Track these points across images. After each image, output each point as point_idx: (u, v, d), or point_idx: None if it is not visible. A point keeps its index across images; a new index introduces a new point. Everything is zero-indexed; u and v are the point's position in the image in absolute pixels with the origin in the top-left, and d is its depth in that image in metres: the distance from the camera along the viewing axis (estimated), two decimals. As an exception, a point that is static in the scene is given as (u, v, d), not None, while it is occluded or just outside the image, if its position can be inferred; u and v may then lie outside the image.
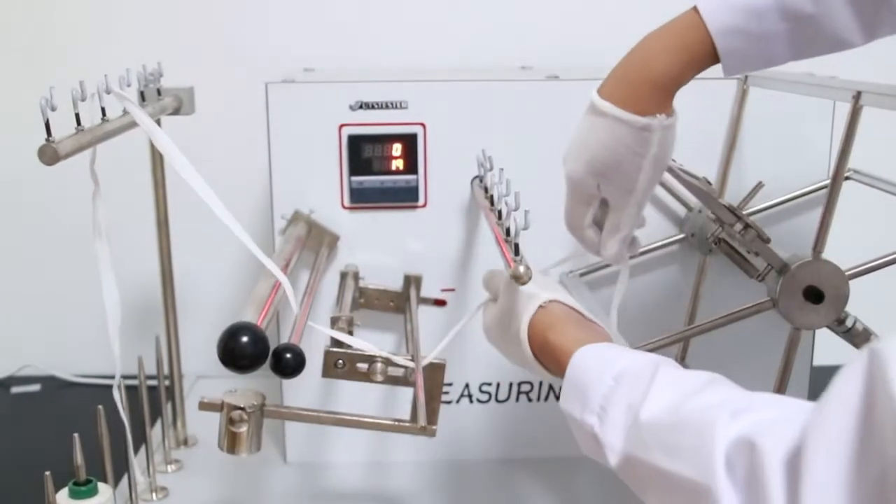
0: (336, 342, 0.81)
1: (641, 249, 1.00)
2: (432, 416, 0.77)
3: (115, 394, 0.81)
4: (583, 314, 0.69)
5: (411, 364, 0.77)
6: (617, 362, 0.59)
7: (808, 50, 0.67)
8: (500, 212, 0.75)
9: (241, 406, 0.69)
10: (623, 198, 0.71)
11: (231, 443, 0.70)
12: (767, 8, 0.64)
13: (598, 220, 0.75)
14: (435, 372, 0.79)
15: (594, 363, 0.61)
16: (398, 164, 0.99)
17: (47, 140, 0.68)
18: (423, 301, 1.00)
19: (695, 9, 0.66)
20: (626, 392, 0.56)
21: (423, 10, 1.29)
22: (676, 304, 1.03)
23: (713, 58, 0.67)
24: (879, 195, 0.93)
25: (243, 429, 0.69)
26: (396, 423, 0.76)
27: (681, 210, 1.01)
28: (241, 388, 0.72)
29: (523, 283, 0.66)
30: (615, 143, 0.68)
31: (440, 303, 1.02)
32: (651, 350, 0.80)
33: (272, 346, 0.65)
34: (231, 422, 0.69)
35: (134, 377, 0.94)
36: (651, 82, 0.67)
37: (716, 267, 1.01)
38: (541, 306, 0.69)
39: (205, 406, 0.70)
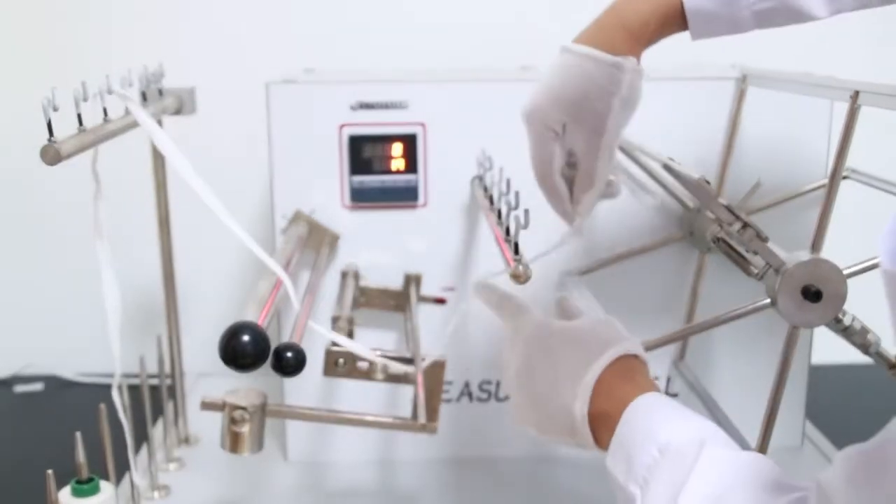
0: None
1: (640, 249, 1.01)
2: (433, 414, 0.77)
3: (115, 394, 0.82)
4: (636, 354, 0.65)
5: (410, 369, 0.78)
6: (663, 430, 0.56)
7: (773, 19, 0.69)
8: (499, 211, 0.76)
9: (243, 406, 0.70)
10: (593, 142, 0.70)
11: (233, 442, 0.70)
12: None
13: (567, 179, 0.74)
14: (435, 370, 0.79)
15: (642, 425, 0.58)
16: (398, 163, 0.99)
17: (49, 140, 0.69)
18: (424, 300, 1.00)
19: None
20: (669, 468, 0.54)
21: (423, 10, 1.30)
22: (675, 303, 1.04)
23: (682, 16, 0.69)
24: (877, 194, 0.94)
25: (245, 428, 0.70)
26: (397, 421, 0.77)
27: (679, 209, 1.01)
28: (242, 387, 0.73)
29: (522, 283, 0.66)
30: (585, 81, 0.69)
31: (440, 301, 1.02)
32: (648, 349, 0.81)
33: (273, 344, 0.65)
34: (233, 421, 0.70)
35: (136, 376, 0.95)
36: (624, 28, 0.69)
37: (714, 266, 1.02)
38: (621, 357, 0.63)
39: (207, 406, 0.71)
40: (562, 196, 0.74)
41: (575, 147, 0.71)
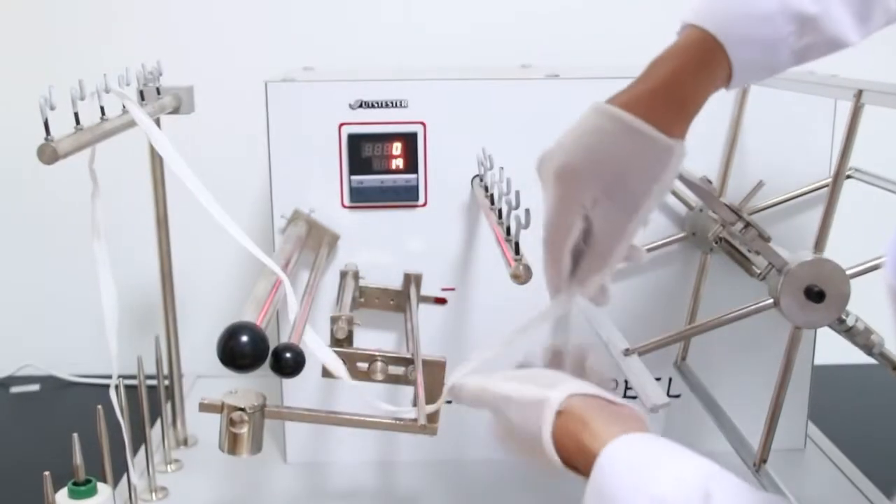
0: (336, 341, 0.81)
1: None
2: (433, 415, 0.76)
3: (112, 395, 0.81)
4: (604, 397, 0.61)
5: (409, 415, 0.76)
6: (658, 481, 0.50)
7: (810, 52, 0.63)
8: (500, 211, 0.75)
9: (242, 407, 0.69)
10: (619, 223, 0.63)
11: (232, 444, 0.70)
12: (773, 11, 0.60)
13: (575, 252, 0.66)
14: (435, 370, 0.79)
15: (625, 479, 0.52)
16: (398, 163, 0.99)
17: (46, 139, 0.68)
18: (424, 299, 1.00)
19: (696, 24, 0.61)
20: None
21: (423, 10, 1.29)
22: (677, 303, 1.03)
23: (727, 71, 0.62)
24: (881, 194, 0.93)
25: (244, 430, 0.69)
26: (397, 422, 0.76)
27: (681, 209, 1.01)
28: (240, 387, 0.72)
29: (522, 283, 0.65)
30: (629, 157, 0.61)
31: (440, 301, 1.01)
32: (650, 350, 0.80)
33: (272, 345, 0.65)
34: (232, 423, 0.69)
35: (134, 377, 0.94)
36: (679, 105, 0.61)
37: (717, 266, 1.01)
38: (559, 412, 0.60)
39: (205, 407, 0.70)
40: (563, 271, 0.66)
41: (595, 223, 0.63)
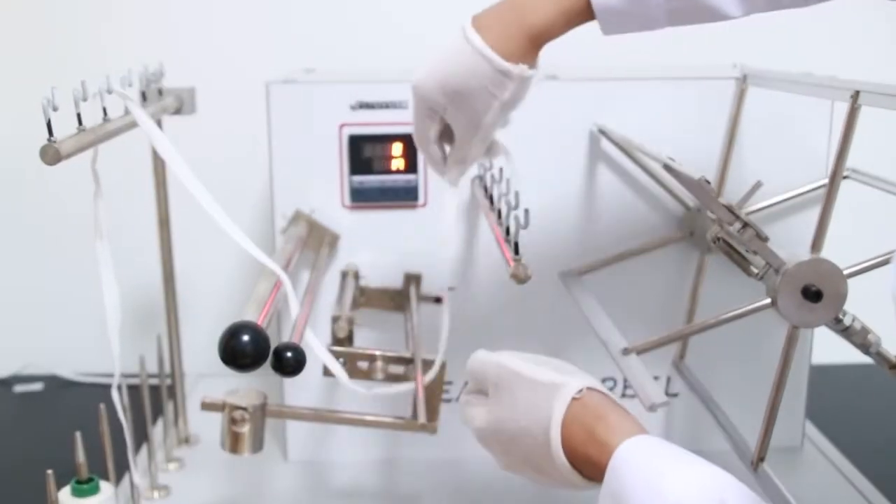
0: (337, 341, 0.82)
1: (640, 249, 1.01)
2: (433, 414, 0.77)
3: (114, 394, 0.82)
4: (614, 399, 0.62)
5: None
6: (672, 489, 0.51)
7: (685, 17, 0.68)
8: (499, 211, 0.76)
9: (243, 406, 0.70)
10: (468, 131, 0.72)
11: (233, 443, 0.70)
12: None
13: (445, 139, 0.76)
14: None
15: (640, 479, 0.53)
16: (398, 163, 0.99)
17: (49, 140, 0.69)
18: (424, 299, 1.00)
19: None
20: None
21: (423, 10, 1.30)
22: (675, 303, 1.04)
23: (589, 14, 0.67)
24: (877, 194, 0.94)
25: (245, 429, 0.70)
26: (397, 420, 0.77)
27: (679, 209, 1.01)
28: (242, 387, 0.73)
29: (521, 283, 0.66)
30: (471, 76, 0.69)
31: (441, 301, 1.02)
32: (648, 349, 0.81)
33: (273, 344, 0.65)
34: (233, 422, 0.70)
35: (136, 376, 0.95)
36: (523, 30, 0.67)
37: (714, 266, 1.02)
38: (574, 398, 0.61)
39: (207, 406, 0.71)
40: (437, 160, 0.77)
41: (453, 127, 0.73)
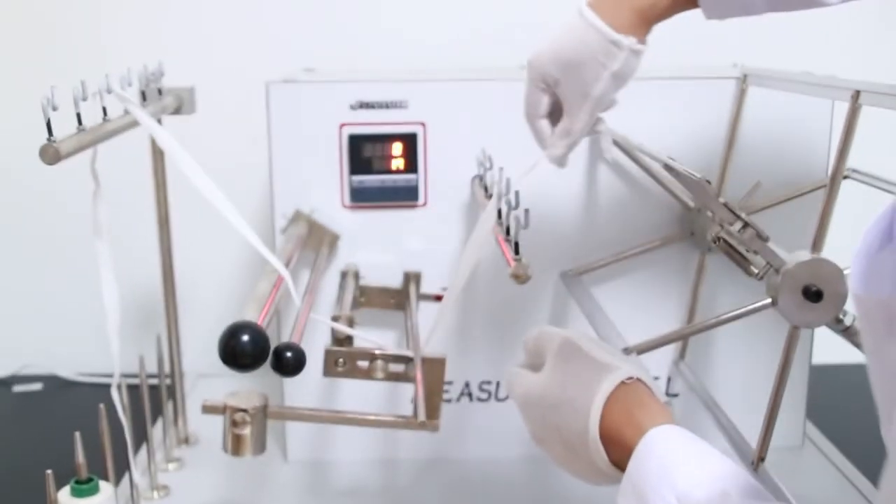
0: (337, 341, 0.82)
1: (640, 249, 1.01)
2: (433, 412, 0.77)
3: (114, 394, 0.82)
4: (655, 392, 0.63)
5: (410, 354, 0.78)
6: (683, 477, 0.53)
7: (784, 3, 0.70)
8: (500, 211, 0.76)
9: (244, 408, 0.70)
10: (577, 102, 0.74)
11: (235, 445, 0.70)
12: None
13: (554, 120, 0.78)
14: (435, 367, 0.79)
15: (656, 463, 0.56)
16: (398, 163, 0.99)
17: (49, 140, 0.69)
18: (423, 297, 1.00)
19: None
20: None
21: (423, 10, 1.30)
22: (676, 302, 1.04)
23: None
24: (878, 194, 0.94)
25: (246, 431, 0.70)
26: (398, 419, 0.77)
27: (679, 209, 1.01)
28: (242, 386, 0.72)
29: (522, 283, 0.66)
30: (583, 47, 0.72)
31: (440, 298, 1.02)
32: (649, 349, 0.81)
33: (273, 344, 0.65)
34: (234, 424, 0.70)
35: (135, 376, 0.94)
36: (632, 5, 0.71)
37: (715, 266, 1.02)
38: (623, 382, 0.62)
39: (208, 409, 0.71)
40: (544, 136, 0.79)
41: (562, 99, 0.75)
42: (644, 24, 0.72)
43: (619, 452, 0.60)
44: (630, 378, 0.62)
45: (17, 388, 1.31)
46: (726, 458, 0.56)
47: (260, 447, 0.71)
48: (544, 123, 0.78)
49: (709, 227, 0.94)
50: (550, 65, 0.74)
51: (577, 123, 0.75)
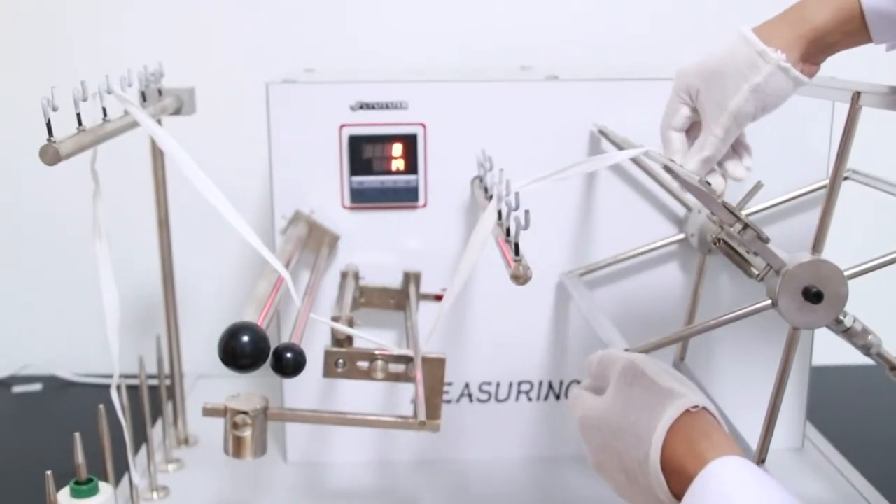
0: (337, 342, 0.81)
1: (640, 250, 1.01)
2: (434, 412, 0.77)
3: (114, 395, 0.82)
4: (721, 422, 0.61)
5: (410, 354, 0.78)
6: None
7: None
8: (500, 212, 0.75)
9: (245, 410, 0.69)
10: (713, 114, 0.72)
11: (236, 447, 0.70)
12: None
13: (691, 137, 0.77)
14: (435, 367, 0.79)
15: (713, 498, 0.54)
16: (398, 164, 0.99)
17: (48, 140, 0.69)
18: (423, 297, 1.00)
19: None
20: None
21: (423, 11, 1.30)
22: (676, 303, 1.04)
23: (862, 20, 0.67)
24: (878, 195, 0.94)
25: (247, 433, 0.70)
26: (398, 419, 0.77)
27: (680, 210, 1.01)
28: (241, 388, 0.72)
29: (522, 284, 0.66)
30: (730, 58, 0.71)
31: (440, 299, 1.02)
32: (649, 350, 0.81)
33: (273, 345, 0.65)
34: (235, 426, 0.70)
35: (135, 377, 0.94)
36: (794, 25, 0.70)
37: (715, 267, 1.02)
38: (688, 410, 0.60)
39: (208, 412, 0.71)
40: (672, 148, 0.77)
41: (701, 111, 0.74)
42: (808, 47, 0.70)
43: (679, 483, 0.58)
44: (695, 406, 0.60)
45: (17, 389, 1.31)
46: (787, 491, 0.54)
47: (261, 449, 0.71)
48: (676, 136, 0.77)
49: (709, 228, 0.94)
50: (695, 75, 0.73)
51: (710, 139, 0.74)
